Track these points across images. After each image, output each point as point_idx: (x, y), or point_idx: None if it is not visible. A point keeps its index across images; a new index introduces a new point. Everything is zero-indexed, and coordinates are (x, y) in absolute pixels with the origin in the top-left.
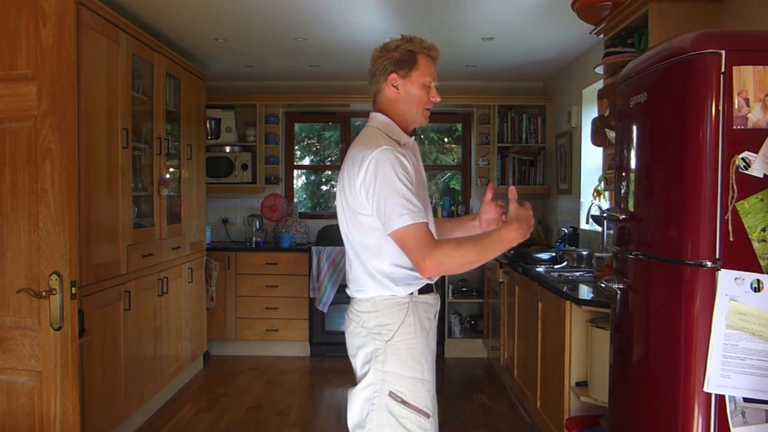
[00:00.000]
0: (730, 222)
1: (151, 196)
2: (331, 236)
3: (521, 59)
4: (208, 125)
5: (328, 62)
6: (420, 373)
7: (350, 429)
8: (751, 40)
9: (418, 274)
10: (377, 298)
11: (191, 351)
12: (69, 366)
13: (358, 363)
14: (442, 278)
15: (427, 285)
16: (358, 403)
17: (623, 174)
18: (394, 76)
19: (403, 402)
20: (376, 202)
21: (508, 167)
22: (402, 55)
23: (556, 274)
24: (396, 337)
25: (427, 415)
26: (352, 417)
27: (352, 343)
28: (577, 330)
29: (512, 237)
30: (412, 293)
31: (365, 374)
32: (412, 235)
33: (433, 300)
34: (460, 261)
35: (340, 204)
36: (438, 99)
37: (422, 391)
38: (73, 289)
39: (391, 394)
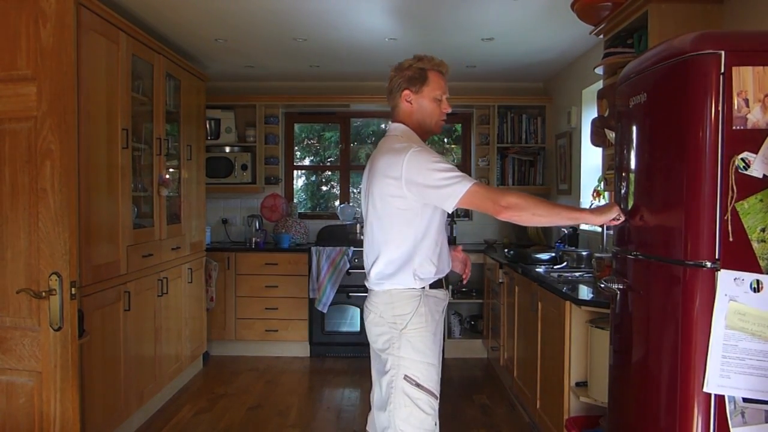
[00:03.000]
0: (729, 222)
1: (151, 196)
2: (331, 237)
3: (521, 59)
4: (208, 126)
5: (328, 62)
6: (431, 358)
7: (375, 411)
8: (750, 40)
9: (435, 271)
10: (393, 291)
11: (191, 351)
12: (69, 366)
13: (379, 348)
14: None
15: (438, 280)
16: (382, 387)
17: (623, 174)
18: (407, 92)
19: (417, 384)
20: (426, 190)
21: (507, 167)
22: (414, 73)
23: (555, 275)
24: (409, 326)
25: (437, 397)
26: (378, 399)
27: (373, 331)
28: (577, 330)
29: (587, 218)
30: (424, 287)
31: (386, 361)
32: (475, 192)
33: (443, 295)
34: (531, 210)
35: (373, 204)
36: (449, 110)
37: (433, 374)
38: (73, 289)
39: (406, 378)
